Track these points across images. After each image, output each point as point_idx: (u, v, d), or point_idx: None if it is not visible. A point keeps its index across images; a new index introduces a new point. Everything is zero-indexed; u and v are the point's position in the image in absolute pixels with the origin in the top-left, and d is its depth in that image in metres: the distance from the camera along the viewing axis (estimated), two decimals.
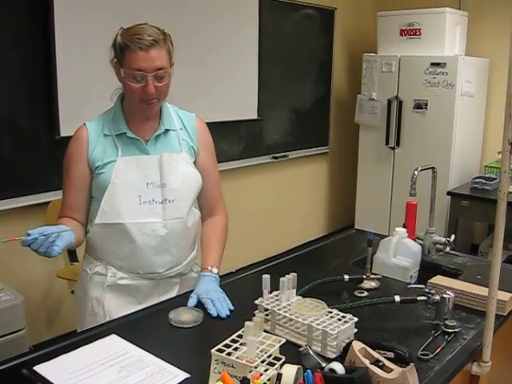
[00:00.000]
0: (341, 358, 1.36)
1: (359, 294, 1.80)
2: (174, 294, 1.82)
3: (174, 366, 1.34)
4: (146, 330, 1.55)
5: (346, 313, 1.47)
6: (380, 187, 4.73)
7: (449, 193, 4.16)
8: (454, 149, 4.31)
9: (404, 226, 2.16)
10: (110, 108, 1.77)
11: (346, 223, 5.27)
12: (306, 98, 4.79)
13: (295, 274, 1.57)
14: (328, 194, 5.29)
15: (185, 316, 1.57)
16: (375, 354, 1.30)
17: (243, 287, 1.88)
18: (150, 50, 1.58)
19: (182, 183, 1.74)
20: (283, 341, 1.29)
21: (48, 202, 2.94)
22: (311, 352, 1.29)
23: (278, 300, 1.55)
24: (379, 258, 2.00)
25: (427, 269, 2.08)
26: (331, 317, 1.45)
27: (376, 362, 1.28)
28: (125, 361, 1.37)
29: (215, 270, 1.76)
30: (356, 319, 1.45)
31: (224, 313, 1.60)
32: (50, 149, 2.98)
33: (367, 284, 1.86)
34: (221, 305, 1.63)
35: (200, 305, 1.66)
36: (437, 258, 2.19)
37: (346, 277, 1.84)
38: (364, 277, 1.86)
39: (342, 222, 5.37)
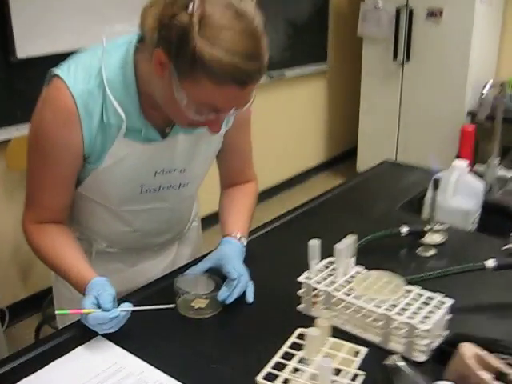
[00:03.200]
0: (432, 361, 0.95)
1: (424, 254, 1.37)
2: (172, 253, 1.46)
3: None
4: (146, 326, 1.10)
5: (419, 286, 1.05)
6: (386, 108, 4.27)
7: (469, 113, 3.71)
8: (472, 63, 3.84)
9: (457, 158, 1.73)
10: (100, 56, 1.08)
11: (347, 147, 4.92)
12: (302, 8, 4.20)
13: (355, 237, 1.12)
14: (327, 117, 4.85)
15: (199, 299, 1.13)
16: (495, 362, 0.88)
17: (260, 250, 1.39)
18: (247, 85, 0.97)
19: (202, 166, 1.29)
20: (363, 350, 0.86)
21: (8, 140, 2.44)
22: (404, 368, 0.85)
23: (330, 275, 1.10)
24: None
25: (489, 211, 1.67)
26: (413, 298, 1.02)
27: (499, 375, 0.86)
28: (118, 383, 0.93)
29: (244, 241, 1.28)
30: (451, 301, 1.02)
31: (230, 300, 1.13)
32: (5, 74, 2.43)
33: (429, 238, 1.42)
34: (239, 291, 1.14)
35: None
36: (501, 197, 1.77)
37: (405, 229, 1.39)
38: (426, 229, 1.41)
39: (342, 147, 4.98)
